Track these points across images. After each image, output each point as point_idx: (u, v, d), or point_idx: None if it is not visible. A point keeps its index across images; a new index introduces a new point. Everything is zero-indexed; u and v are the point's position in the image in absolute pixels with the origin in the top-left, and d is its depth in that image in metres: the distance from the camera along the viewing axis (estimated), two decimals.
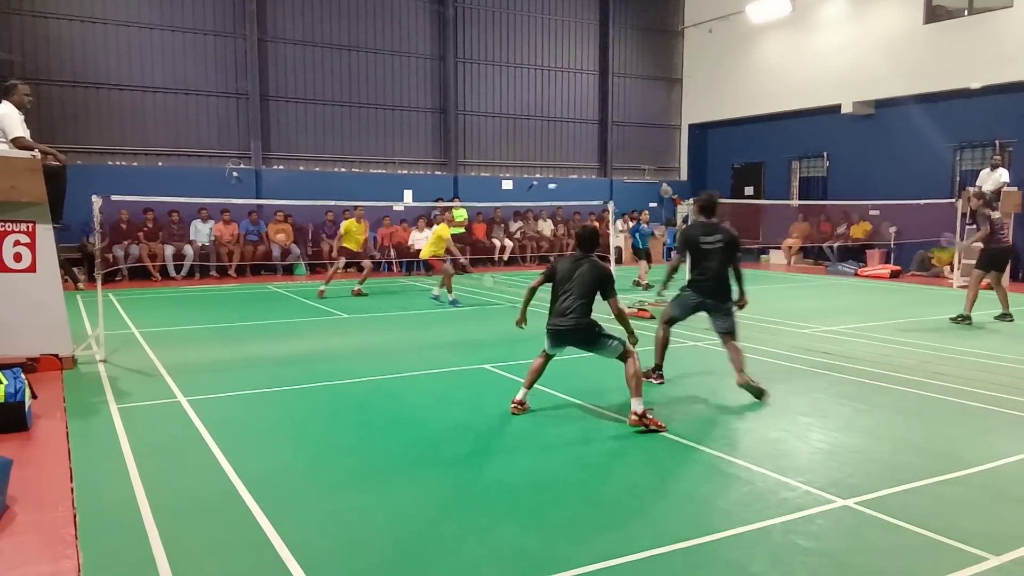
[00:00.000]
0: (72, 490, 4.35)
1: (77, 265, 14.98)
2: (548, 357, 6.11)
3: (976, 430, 5.69)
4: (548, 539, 3.79)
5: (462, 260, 13.08)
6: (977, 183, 15.80)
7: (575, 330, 5.81)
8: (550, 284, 6.05)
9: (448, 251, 13.08)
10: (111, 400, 6.36)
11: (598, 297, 5.89)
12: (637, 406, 5.56)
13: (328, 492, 4.42)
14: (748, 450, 5.16)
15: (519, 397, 6.03)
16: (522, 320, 6.30)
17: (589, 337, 5.86)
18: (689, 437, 5.39)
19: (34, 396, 5.87)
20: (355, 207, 14.71)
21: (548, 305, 6.02)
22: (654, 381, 6.87)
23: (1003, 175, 15.38)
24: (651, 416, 5.58)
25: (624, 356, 5.81)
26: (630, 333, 6.08)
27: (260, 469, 4.74)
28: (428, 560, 3.57)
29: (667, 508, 4.23)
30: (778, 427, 5.74)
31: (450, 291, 12.48)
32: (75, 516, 3.99)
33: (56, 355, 7.48)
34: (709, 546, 3.71)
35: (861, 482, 4.53)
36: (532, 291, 6.16)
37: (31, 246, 7.37)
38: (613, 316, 5.97)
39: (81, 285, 14.06)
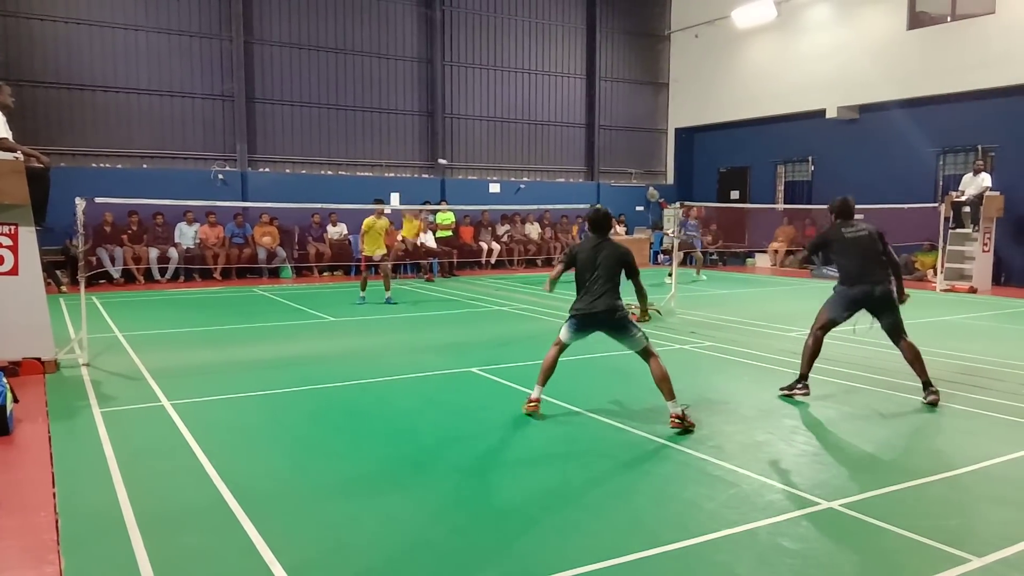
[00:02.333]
0: (54, 495, 4.31)
1: (60, 268, 14.85)
2: (562, 348, 5.97)
3: (959, 432, 5.74)
4: (537, 542, 3.79)
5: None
6: (960, 187, 15.97)
7: (608, 312, 5.69)
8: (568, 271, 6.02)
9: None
10: (94, 404, 6.30)
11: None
12: (675, 408, 5.55)
13: (315, 497, 4.39)
14: (734, 453, 5.18)
15: (535, 395, 5.95)
16: (550, 287, 6.09)
17: (620, 322, 5.73)
18: (675, 440, 5.40)
19: (16, 400, 5.82)
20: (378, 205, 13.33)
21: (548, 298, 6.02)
22: (799, 395, 6.65)
23: (985, 180, 15.53)
24: (689, 417, 5.58)
25: (647, 353, 5.75)
26: (644, 311, 6.26)
27: (245, 474, 4.71)
28: (416, 564, 3.56)
29: (654, 511, 4.23)
30: (764, 430, 5.76)
31: (388, 288, 12.71)
32: (57, 521, 3.95)
33: (39, 359, 7.40)
34: (696, 548, 3.72)
35: (846, 484, 4.56)
36: (555, 281, 6.06)
37: (13, 248, 7.31)
38: (635, 292, 6.07)
39: (64, 288, 13.94)
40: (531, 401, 5.96)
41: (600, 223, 5.97)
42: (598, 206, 6.12)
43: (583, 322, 5.82)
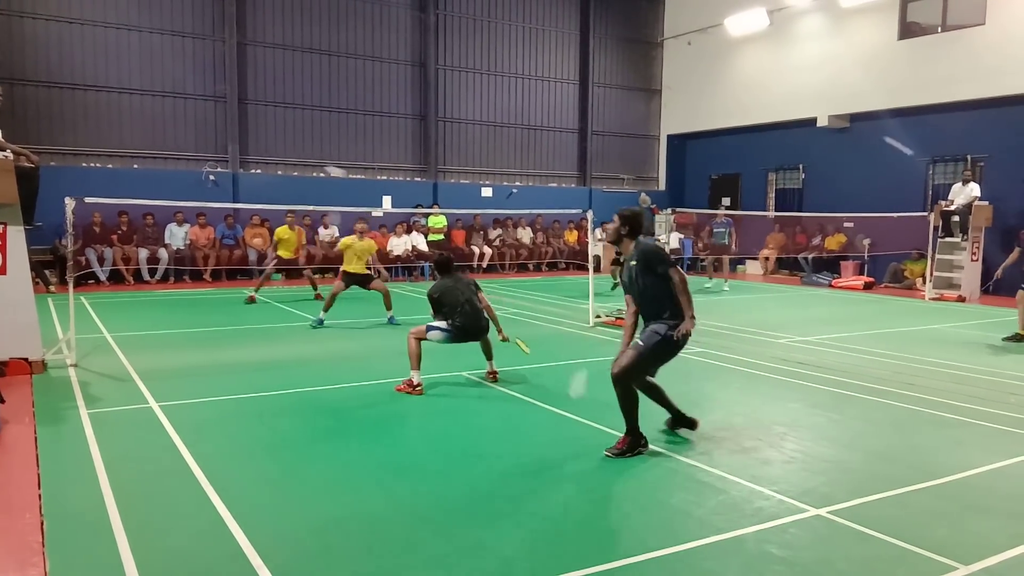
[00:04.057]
0: (40, 496, 4.28)
1: (49, 267, 14.77)
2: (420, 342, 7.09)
3: (947, 440, 5.76)
4: (524, 548, 3.78)
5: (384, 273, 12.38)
6: (949, 197, 16.09)
7: (484, 327, 7.29)
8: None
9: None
10: (81, 405, 6.27)
11: None
12: (494, 366, 7.41)
13: (302, 500, 4.37)
14: (723, 459, 5.19)
15: (416, 379, 6.84)
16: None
17: (486, 331, 7.33)
18: (664, 446, 5.41)
19: (2, 400, 5.77)
20: (287, 213, 14.32)
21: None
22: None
23: (974, 189, 15.65)
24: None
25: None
26: (500, 329, 7.48)
27: (232, 476, 4.69)
28: (403, 568, 3.55)
29: (642, 517, 4.23)
30: (752, 436, 5.77)
31: (390, 306, 11.23)
32: (42, 523, 3.92)
33: (26, 359, 7.36)
34: (683, 555, 3.72)
35: (834, 491, 4.58)
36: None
37: (2, 248, 7.27)
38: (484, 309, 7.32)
39: (52, 288, 13.85)
40: (415, 386, 6.80)
41: (445, 264, 7.44)
42: (442, 252, 7.71)
43: (462, 335, 7.19)
